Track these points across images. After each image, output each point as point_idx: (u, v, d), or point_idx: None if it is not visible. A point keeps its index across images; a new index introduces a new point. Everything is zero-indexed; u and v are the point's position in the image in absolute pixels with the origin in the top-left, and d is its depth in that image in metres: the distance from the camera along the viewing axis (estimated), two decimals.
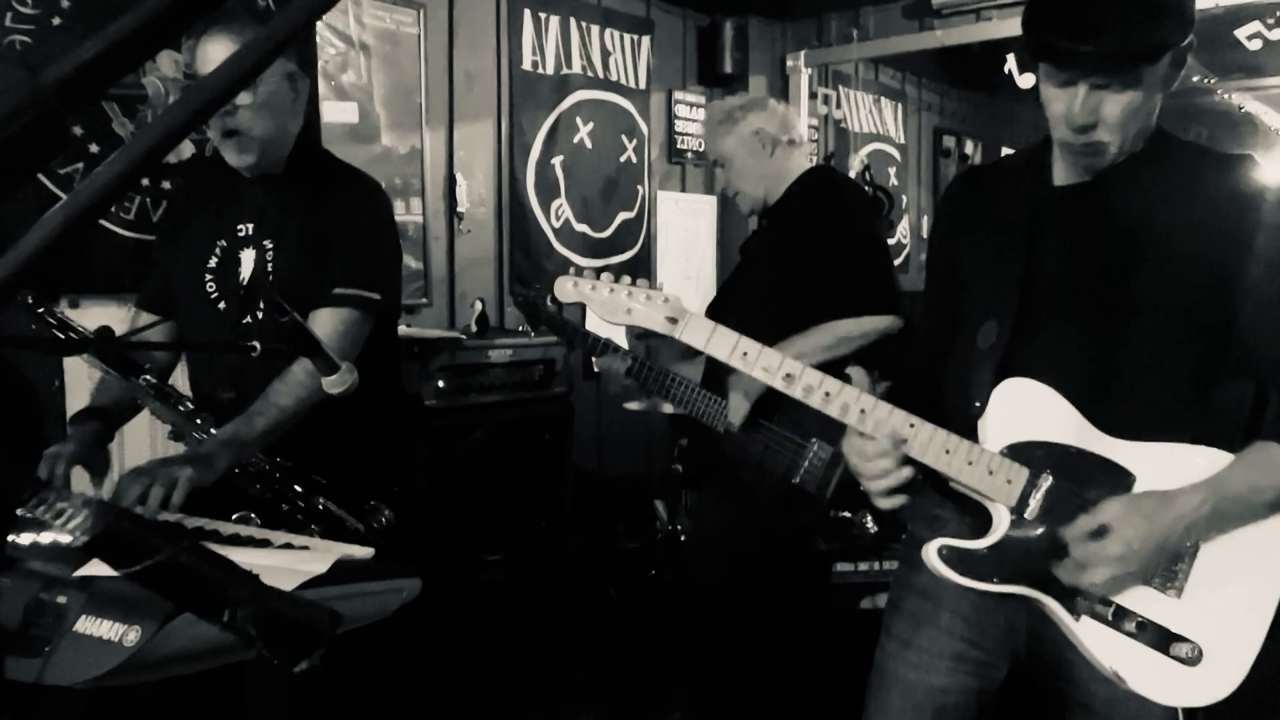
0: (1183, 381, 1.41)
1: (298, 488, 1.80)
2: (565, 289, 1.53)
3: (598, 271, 1.53)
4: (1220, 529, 1.37)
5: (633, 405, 2.70)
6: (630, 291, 1.48)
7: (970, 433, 1.44)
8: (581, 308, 1.53)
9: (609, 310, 1.50)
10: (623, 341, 2.69)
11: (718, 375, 2.48)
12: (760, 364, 1.44)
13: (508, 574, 3.18)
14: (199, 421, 1.84)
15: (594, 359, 2.70)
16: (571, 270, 1.54)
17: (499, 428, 3.16)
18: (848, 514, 3.13)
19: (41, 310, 1.79)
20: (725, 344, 1.46)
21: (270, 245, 1.94)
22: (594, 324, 4.08)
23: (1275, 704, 1.72)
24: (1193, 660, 1.36)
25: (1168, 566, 1.38)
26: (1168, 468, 1.38)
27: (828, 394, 1.42)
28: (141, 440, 2.46)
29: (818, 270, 2.44)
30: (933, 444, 1.42)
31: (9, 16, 2.46)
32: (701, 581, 2.62)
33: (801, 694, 2.73)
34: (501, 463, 3.16)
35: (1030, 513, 1.40)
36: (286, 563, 1.30)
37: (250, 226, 1.95)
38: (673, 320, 1.46)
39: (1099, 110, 1.36)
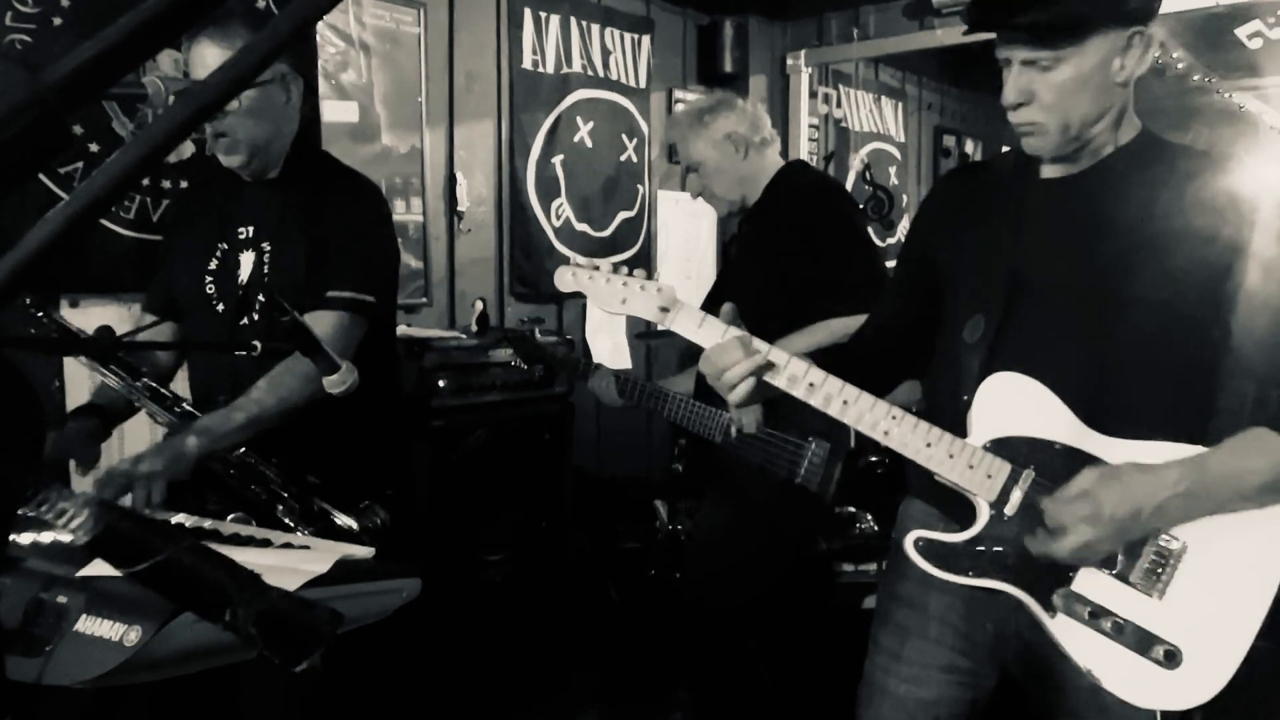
0: (1171, 379, 1.41)
1: (293, 488, 1.79)
2: (564, 279, 1.55)
3: (596, 264, 1.54)
4: (1200, 510, 1.36)
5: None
6: (626, 281, 1.50)
7: (957, 427, 1.44)
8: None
9: (605, 300, 1.51)
10: (625, 346, 2.70)
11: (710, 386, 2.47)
12: None
13: (508, 573, 3.18)
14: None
15: (588, 383, 2.71)
16: (571, 260, 1.57)
17: (499, 427, 3.16)
18: (852, 510, 3.13)
19: (40, 314, 1.79)
20: (714, 332, 1.47)
21: (268, 248, 1.94)
22: (593, 326, 4.09)
23: (1273, 707, 1.72)
24: (1171, 663, 1.35)
25: (1149, 566, 1.37)
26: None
27: (811, 384, 1.43)
28: (142, 439, 2.45)
29: (803, 269, 2.43)
30: (914, 437, 1.42)
31: (9, 16, 2.46)
32: (706, 586, 2.61)
33: (801, 694, 2.73)
34: (502, 462, 3.16)
35: (1010, 508, 1.40)
36: (287, 562, 1.30)
37: (250, 229, 1.96)
38: (664, 309, 1.48)
39: (1030, 88, 1.41)
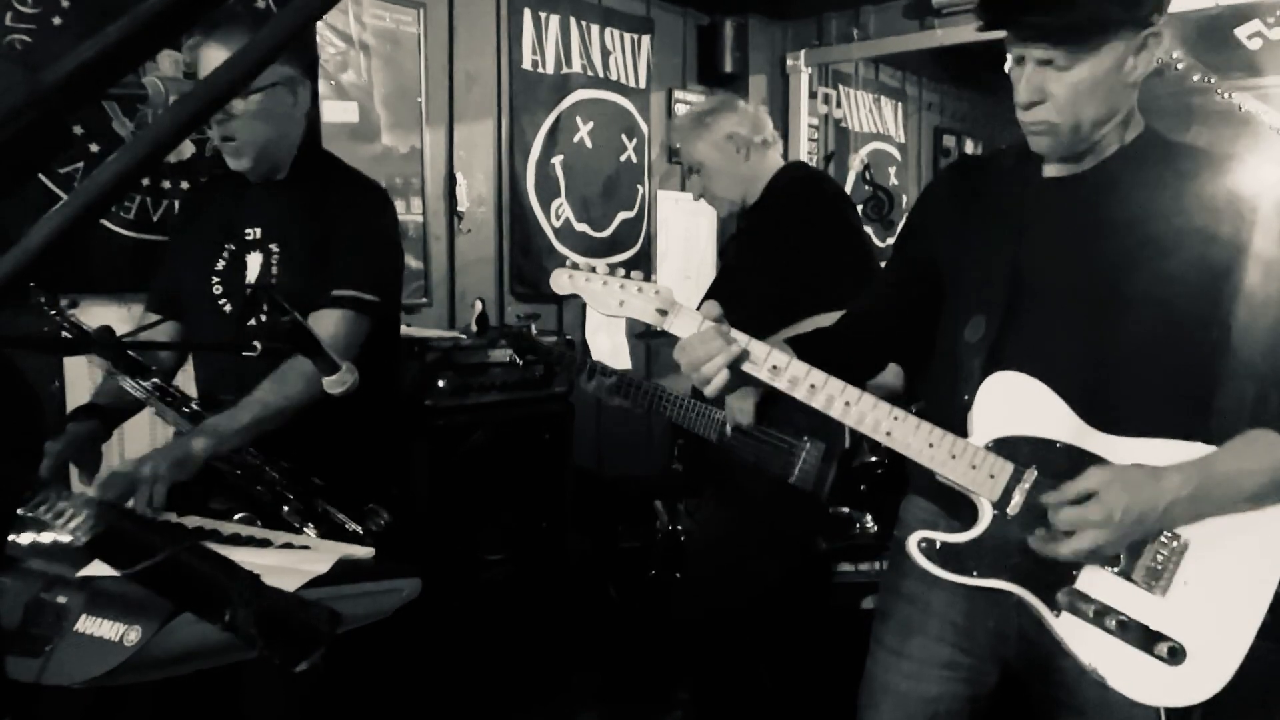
0: (1172, 378, 1.41)
1: (297, 490, 1.79)
2: (560, 281, 1.54)
3: (593, 266, 1.53)
4: (1203, 511, 1.36)
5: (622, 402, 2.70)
6: (623, 284, 1.49)
7: (959, 427, 1.44)
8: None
9: (602, 302, 1.50)
10: (625, 346, 2.69)
11: None
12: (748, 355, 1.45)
13: (508, 573, 3.18)
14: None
15: (583, 382, 2.71)
16: (568, 263, 1.55)
17: (499, 427, 3.16)
18: (846, 509, 3.13)
19: (55, 313, 1.79)
20: None
21: (276, 249, 1.95)
22: (592, 326, 4.09)
23: (1272, 704, 1.72)
24: (1175, 660, 1.35)
25: (1151, 563, 1.38)
26: (1158, 463, 1.37)
27: (813, 386, 1.43)
28: (142, 439, 2.45)
29: (800, 267, 2.44)
30: (916, 438, 1.42)
31: (9, 16, 2.46)
32: (707, 587, 2.61)
33: (801, 694, 2.73)
34: (502, 462, 3.16)
35: (1013, 507, 1.40)
36: (287, 562, 1.30)
37: (257, 231, 1.97)
38: (662, 312, 1.47)
39: (1045, 87, 1.39)
